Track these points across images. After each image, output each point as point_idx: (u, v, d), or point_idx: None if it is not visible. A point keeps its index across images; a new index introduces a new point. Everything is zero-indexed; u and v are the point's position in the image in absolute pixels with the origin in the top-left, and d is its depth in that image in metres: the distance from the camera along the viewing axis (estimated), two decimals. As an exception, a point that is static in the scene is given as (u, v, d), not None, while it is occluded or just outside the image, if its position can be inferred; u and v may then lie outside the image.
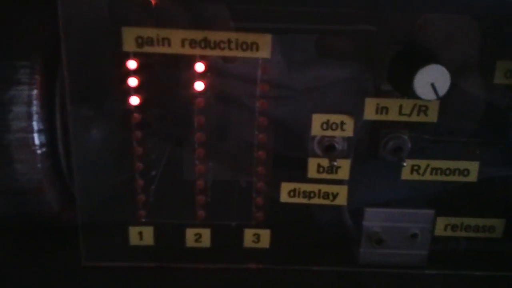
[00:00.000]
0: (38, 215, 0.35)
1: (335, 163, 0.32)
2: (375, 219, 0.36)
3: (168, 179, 0.36)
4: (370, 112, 0.33)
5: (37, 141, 0.32)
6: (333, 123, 0.33)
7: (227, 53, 0.31)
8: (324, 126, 0.33)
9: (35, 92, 0.32)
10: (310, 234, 0.37)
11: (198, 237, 0.36)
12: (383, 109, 0.32)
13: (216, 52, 0.31)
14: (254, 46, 0.31)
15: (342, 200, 0.35)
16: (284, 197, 0.35)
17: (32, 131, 0.32)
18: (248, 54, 0.31)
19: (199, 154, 0.34)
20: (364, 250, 0.37)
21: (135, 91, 0.32)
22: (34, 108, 0.32)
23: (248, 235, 0.36)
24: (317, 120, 0.33)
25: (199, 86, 0.32)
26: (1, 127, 0.32)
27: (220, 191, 0.36)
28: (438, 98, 0.29)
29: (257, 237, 0.36)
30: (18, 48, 0.32)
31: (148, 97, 0.33)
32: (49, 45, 0.32)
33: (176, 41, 0.31)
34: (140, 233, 0.36)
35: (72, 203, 0.36)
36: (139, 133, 0.34)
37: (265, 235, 0.36)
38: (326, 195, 0.35)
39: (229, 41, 0.31)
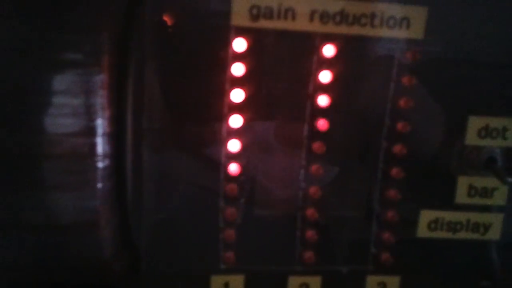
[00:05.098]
0: (82, 261, 0.24)
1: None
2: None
3: (260, 208, 0.27)
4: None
5: (99, 150, 0.22)
6: (494, 129, 0.25)
7: (368, 31, 0.24)
8: (482, 133, 0.25)
9: (100, 77, 0.22)
10: (444, 281, 0.28)
11: (305, 288, 0.27)
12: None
13: (354, 30, 0.23)
14: (404, 22, 0.24)
15: (494, 233, 0.27)
16: (422, 231, 0.27)
17: (93, 134, 0.22)
18: (394, 33, 0.24)
19: (311, 172, 0.25)
20: (514, 301, 0.28)
21: (240, 82, 0.24)
22: (99, 101, 0.22)
23: (371, 284, 0.27)
24: (474, 124, 0.25)
25: (324, 77, 0.24)
26: (48, 126, 0.22)
27: (331, 225, 0.27)
28: None
29: (382, 287, 0.27)
30: (78, 18, 0.22)
31: (255, 91, 0.24)
32: (121, 14, 0.23)
33: (303, 14, 0.23)
34: (226, 285, 0.26)
35: (129, 244, 0.25)
36: (234, 142, 0.24)
37: (393, 284, 0.27)
38: (476, 227, 0.27)
39: (373, 16, 0.23)
